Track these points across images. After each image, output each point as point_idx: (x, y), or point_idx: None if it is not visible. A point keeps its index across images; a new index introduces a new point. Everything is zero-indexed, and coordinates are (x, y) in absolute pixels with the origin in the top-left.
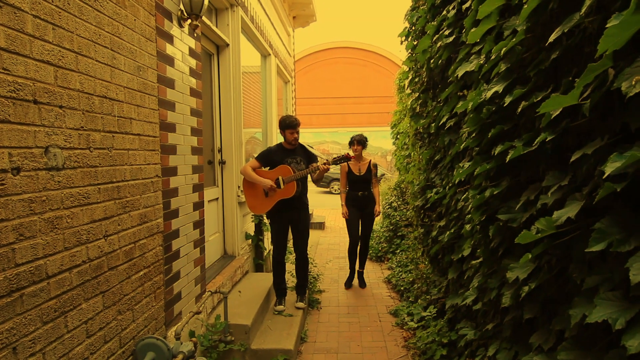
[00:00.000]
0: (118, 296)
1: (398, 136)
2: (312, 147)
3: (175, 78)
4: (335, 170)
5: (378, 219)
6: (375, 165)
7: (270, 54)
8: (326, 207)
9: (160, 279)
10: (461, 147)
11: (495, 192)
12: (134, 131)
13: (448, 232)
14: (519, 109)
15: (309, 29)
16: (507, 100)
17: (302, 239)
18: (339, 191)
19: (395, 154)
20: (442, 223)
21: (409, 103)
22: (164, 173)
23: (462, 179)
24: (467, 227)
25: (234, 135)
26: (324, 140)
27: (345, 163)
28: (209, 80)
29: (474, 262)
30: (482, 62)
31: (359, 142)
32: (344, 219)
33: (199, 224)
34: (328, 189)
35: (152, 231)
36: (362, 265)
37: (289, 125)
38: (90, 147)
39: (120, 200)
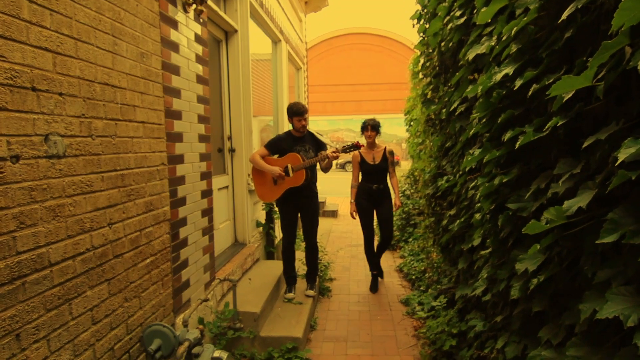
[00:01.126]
0: (124, 283)
1: (411, 123)
2: (321, 135)
3: (180, 65)
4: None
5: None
6: (392, 153)
7: (281, 40)
8: (340, 194)
9: (167, 266)
10: (471, 133)
11: (504, 180)
12: (137, 119)
13: (458, 221)
14: (530, 93)
15: (323, 16)
16: (518, 83)
17: (312, 227)
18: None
19: (409, 142)
20: (452, 212)
21: (421, 88)
22: (170, 161)
23: (473, 167)
24: (477, 216)
25: (243, 123)
26: (338, 127)
27: (358, 152)
28: (218, 67)
29: (483, 252)
30: (493, 43)
31: (373, 127)
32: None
33: (208, 212)
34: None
35: (159, 219)
36: (378, 258)
37: (296, 112)
38: (93, 134)
39: (125, 189)
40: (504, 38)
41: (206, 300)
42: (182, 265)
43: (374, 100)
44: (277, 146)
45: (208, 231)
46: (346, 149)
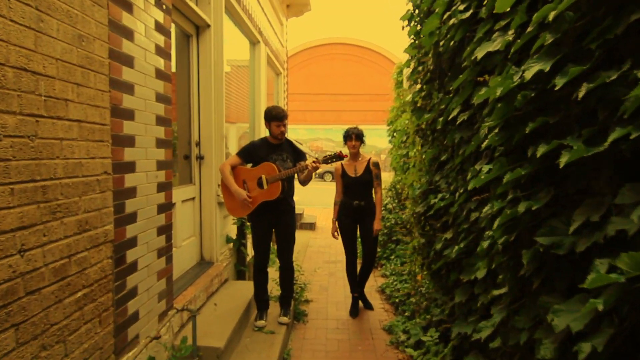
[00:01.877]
0: (42, 327)
1: (394, 134)
2: (301, 144)
3: (134, 55)
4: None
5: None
6: (377, 165)
7: (259, 42)
8: (318, 205)
9: (108, 298)
10: (483, 145)
11: (534, 208)
12: (71, 116)
13: (457, 247)
14: (580, 94)
15: (305, 25)
16: (560, 82)
17: (288, 246)
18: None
19: (392, 153)
20: (448, 235)
21: (410, 96)
22: (116, 169)
23: (478, 186)
24: (484, 244)
25: (214, 128)
26: (317, 137)
27: (339, 164)
28: (187, 64)
29: (496, 292)
30: (510, 38)
31: (358, 136)
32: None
33: (166, 229)
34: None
35: (97, 241)
36: (362, 284)
37: (275, 116)
38: None
39: (47, 204)
40: (529, 30)
41: (157, 337)
42: (128, 295)
43: (354, 111)
44: (252, 154)
45: (165, 252)
46: (328, 160)
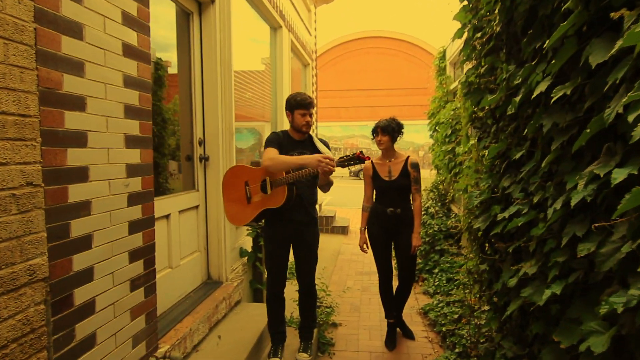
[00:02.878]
0: None
1: (437, 127)
2: (326, 143)
3: (84, 22)
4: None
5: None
6: (416, 166)
7: (281, 27)
8: (352, 206)
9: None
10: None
11: None
12: None
13: (548, 292)
14: None
15: (337, 20)
16: None
17: (308, 267)
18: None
19: (433, 149)
20: (528, 269)
21: (463, 77)
22: (51, 179)
23: (600, 201)
24: (616, 300)
25: (222, 123)
26: (352, 134)
27: (370, 163)
28: (187, 48)
29: None
30: None
31: (385, 129)
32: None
33: (143, 253)
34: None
35: (17, 282)
36: (400, 309)
37: (300, 103)
38: None
39: None
40: None
41: None
42: (80, 348)
43: (389, 106)
44: (281, 145)
45: (143, 281)
46: (344, 162)
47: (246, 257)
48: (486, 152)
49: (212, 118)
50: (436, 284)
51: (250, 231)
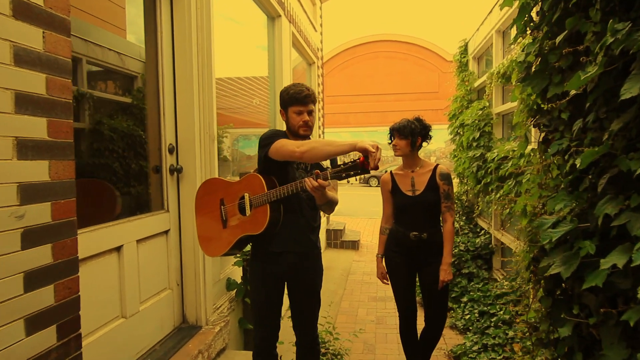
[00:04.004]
0: None
1: (459, 130)
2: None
3: None
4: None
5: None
6: (447, 177)
7: (280, 16)
8: (362, 215)
9: None
10: None
11: None
12: None
13: None
14: None
15: (344, 24)
16: None
17: (309, 314)
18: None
19: (456, 155)
20: None
21: (520, 53)
22: None
23: None
24: None
25: (199, 125)
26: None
27: (388, 175)
28: (153, 33)
29: None
30: None
31: (401, 131)
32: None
33: (57, 315)
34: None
35: None
36: (427, 358)
37: (294, 98)
38: None
39: None
40: None
41: None
42: None
43: (400, 111)
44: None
45: (58, 356)
46: (341, 173)
47: (234, 291)
48: (555, 159)
49: (186, 118)
50: (466, 317)
51: (239, 258)
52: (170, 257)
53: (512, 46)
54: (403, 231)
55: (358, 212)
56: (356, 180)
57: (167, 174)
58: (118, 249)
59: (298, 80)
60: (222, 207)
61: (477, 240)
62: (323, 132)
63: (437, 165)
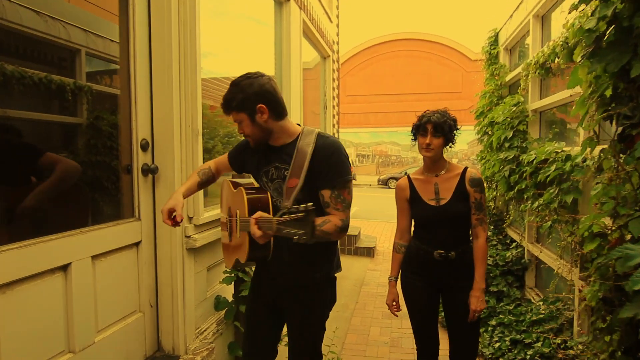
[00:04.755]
0: None
1: (488, 130)
2: (331, 147)
3: None
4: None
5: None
6: (479, 182)
7: (288, 0)
8: (379, 218)
9: None
10: None
11: None
12: None
13: None
14: None
15: (364, 22)
16: None
17: (301, 347)
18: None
19: (483, 157)
20: None
21: (587, 19)
22: None
23: None
24: None
25: (179, 116)
26: (381, 140)
27: (406, 180)
28: (125, 1)
29: None
30: None
31: (439, 126)
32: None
33: None
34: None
35: None
36: None
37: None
38: None
39: None
40: None
41: None
42: None
43: (420, 111)
44: (237, 156)
45: None
46: (289, 225)
47: (223, 311)
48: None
49: (163, 108)
50: (496, 344)
51: (229, 274)
52: (141, 273)
53: (566, 18)
54: (425, 249)
55: (374, 216)
56: (378, 183)
57: (138, 175)
58: (64, 267)
59: (309, 73)
60: (228, 218)
61: (507, 254)
62: (338, 131)
63: (466, 168)
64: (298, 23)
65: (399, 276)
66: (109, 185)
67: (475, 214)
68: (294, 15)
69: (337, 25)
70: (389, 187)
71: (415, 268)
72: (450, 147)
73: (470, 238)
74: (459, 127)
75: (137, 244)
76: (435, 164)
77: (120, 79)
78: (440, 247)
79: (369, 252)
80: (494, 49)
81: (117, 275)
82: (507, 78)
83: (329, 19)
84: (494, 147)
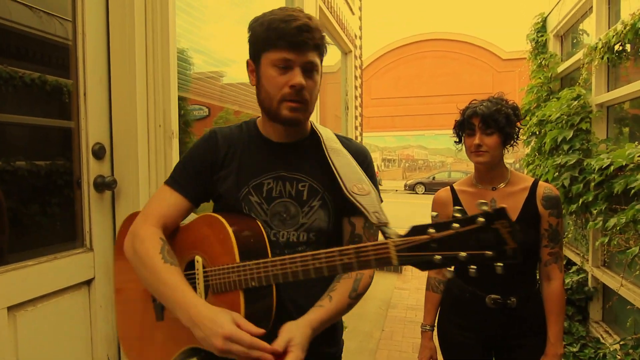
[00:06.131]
0: None
1: (537, 130)
2: (361, 153)
3: None
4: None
5: None
6: (556, 203)
7: None
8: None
9: None
10: None
11: None
12: None
13: None
14: None
15: (389, 24)
16: None
17: None
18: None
19: (531, 162)
20: None
21: None
22: None
23: None
24: None
25: (146, 112)
26: (408, 144)
27: (447, 192)
28: None
29: None
30: None
31: (490, 119)
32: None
33: None
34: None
35: None
36: None
37: (278, 32)
38: None
39: None
40: None
41: None
42: None
43: (449, 114)
44: (197, 172)
45: None
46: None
47: None
48: None
49: (124, 103)
50: None
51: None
52: (96, 320)
53: None
54: (473, 292)
55: (401, 224)
56: (405, 188)
57: (90, 191)
58: None
59: (334, 81)
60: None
61: (566, 280)
62: (361, 135)
63: (537, 181)
64: (313, 8)
65: (436, 325)
66: (46, 205)
67: (548, 246)
68: (308, 1)
69: (360, 19)
70: (416, 193)
71: (459, 317)
72: (512, 146)
73: (538, 279)
74: (521, 118)
75: (88, 282)
76: (491, 172)
77: (73, 68)
78: (495, 291)
79: (396, 267)
80: (541, 36)
81: (55, 326)
82: (560, 69)
83: (351, 10)
84: (546, 150)
